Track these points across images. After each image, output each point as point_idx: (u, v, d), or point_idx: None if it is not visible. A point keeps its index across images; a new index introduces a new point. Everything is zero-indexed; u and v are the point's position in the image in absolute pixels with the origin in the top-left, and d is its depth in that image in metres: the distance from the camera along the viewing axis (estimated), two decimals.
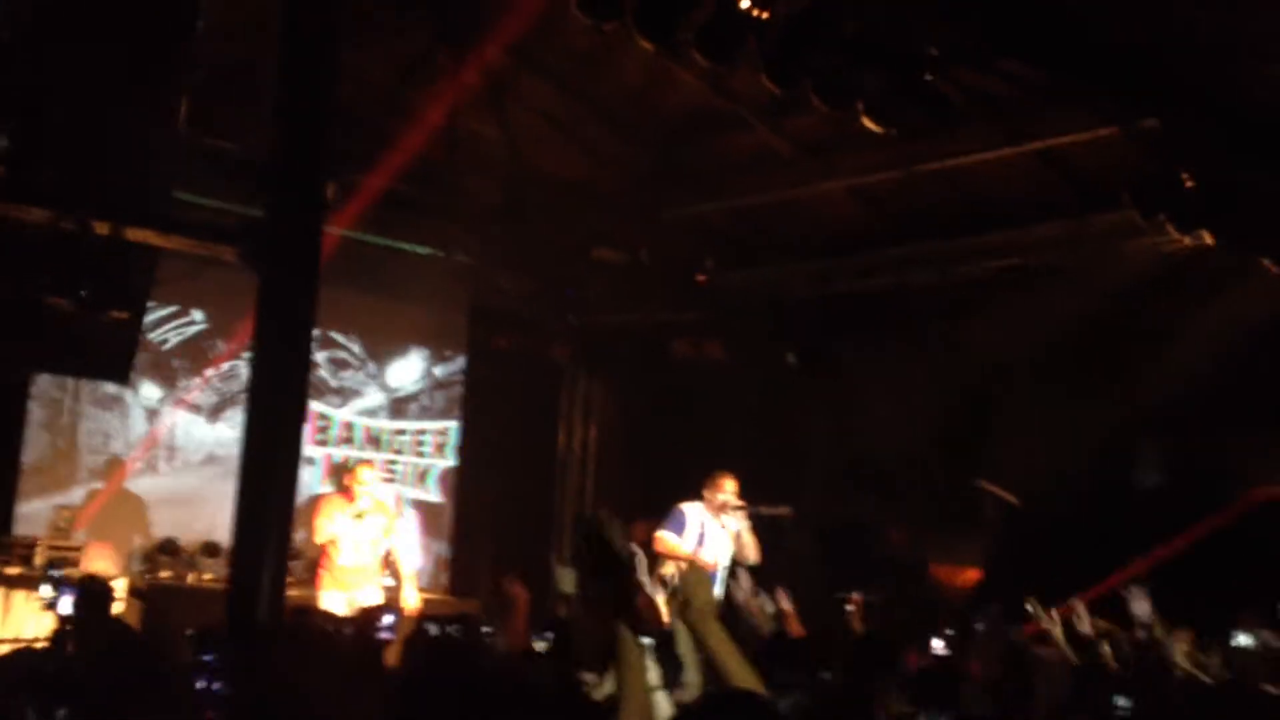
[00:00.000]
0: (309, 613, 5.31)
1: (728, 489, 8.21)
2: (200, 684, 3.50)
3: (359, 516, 8.61)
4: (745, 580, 8.63)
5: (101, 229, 4.62)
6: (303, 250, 4.46)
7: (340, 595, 8.50)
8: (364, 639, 5.47)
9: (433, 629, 5.23)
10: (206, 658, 3.62)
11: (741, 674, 7.11)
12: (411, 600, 8.58)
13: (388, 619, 5.95)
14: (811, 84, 6.59)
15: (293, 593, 9.96)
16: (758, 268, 11.65)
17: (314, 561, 10.57)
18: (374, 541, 8.76)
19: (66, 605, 5.81)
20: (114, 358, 6.30)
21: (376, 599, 8.46)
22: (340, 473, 11.58)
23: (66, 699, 3.31)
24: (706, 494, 8.23)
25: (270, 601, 4.26)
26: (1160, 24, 7.13)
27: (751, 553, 8.33)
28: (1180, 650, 5.67)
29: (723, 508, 8.16)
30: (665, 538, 8.07)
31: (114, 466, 10.63)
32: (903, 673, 4.53)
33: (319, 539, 8.69)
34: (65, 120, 5.05)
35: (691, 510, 8.21)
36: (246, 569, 4.36)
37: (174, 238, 5.01)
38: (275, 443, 4.43)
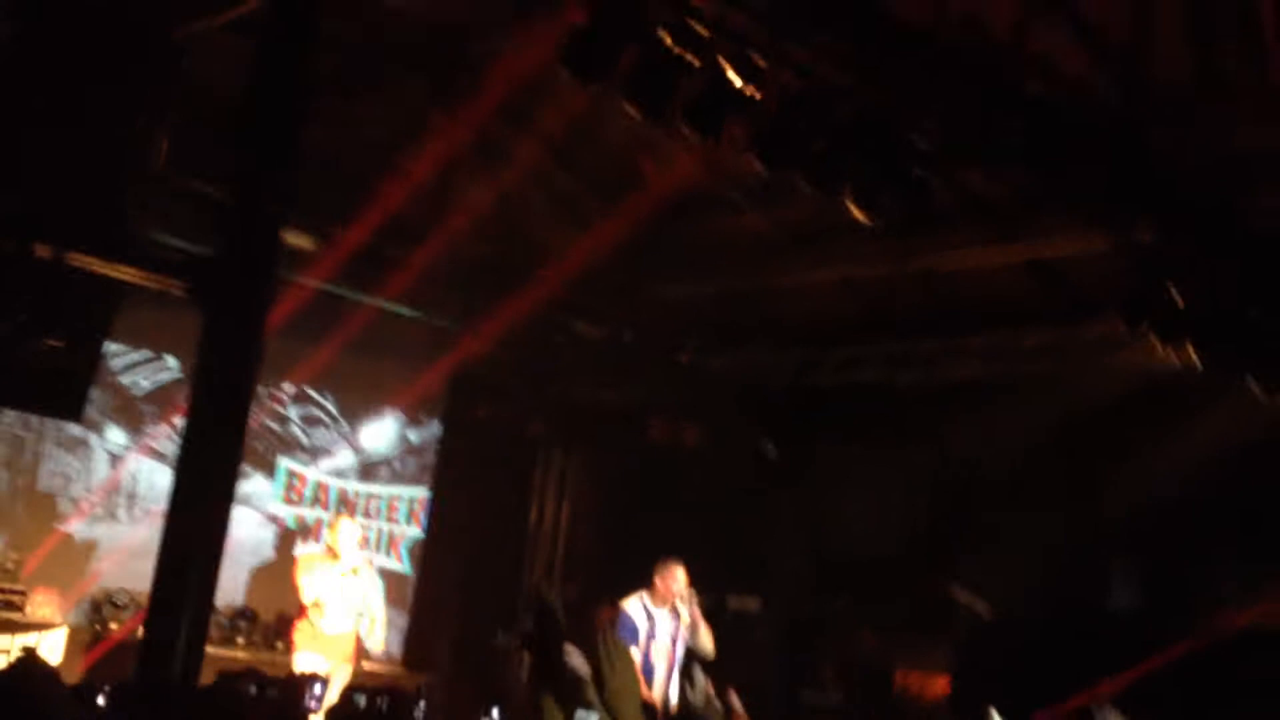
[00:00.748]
0: (235, 676, 5.06)
1: (680, 576, 8.03)
2: None
3: (354, 572, 8.49)
4: (700, 679, 8.34)
5: (43, 253, 4.48)
6: (250, 290, 4.30)
7: (318, 660, 8.27)
8: (289, 707, 5.21)
9: (361, 699, 4.99)
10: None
11: None
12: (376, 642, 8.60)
13: (317, 689, 5.69)
14: (799, 166, 6.49)
15: (244, 655, 9.83)
16: (740, 352, 11.52)
17: (273, 625, 10.40)
18: (357, 609, 8.61)
19: None
20: (61, 393, 6.11)
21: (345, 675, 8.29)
22: (301, 534, 11.36)
23: None
24: (658, 582, 8.04)
25: (185, 659, 4.03)
26: (1162, 140, 7.11)
27: (707, 643, 8.10)
28: None
29: (677, 596, 7.97)
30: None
31: (66, 510, 10.38)
32: None
33: (307, 598, 8.48)
34: (24, 147, 4.94)
35: (633, 607, 7.99)
36: (163, 623, 4.14)
37: (120, 268, 4.87)
38: (206, 488, 4.24)
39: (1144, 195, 7.16)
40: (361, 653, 9.08)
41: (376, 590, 9.07)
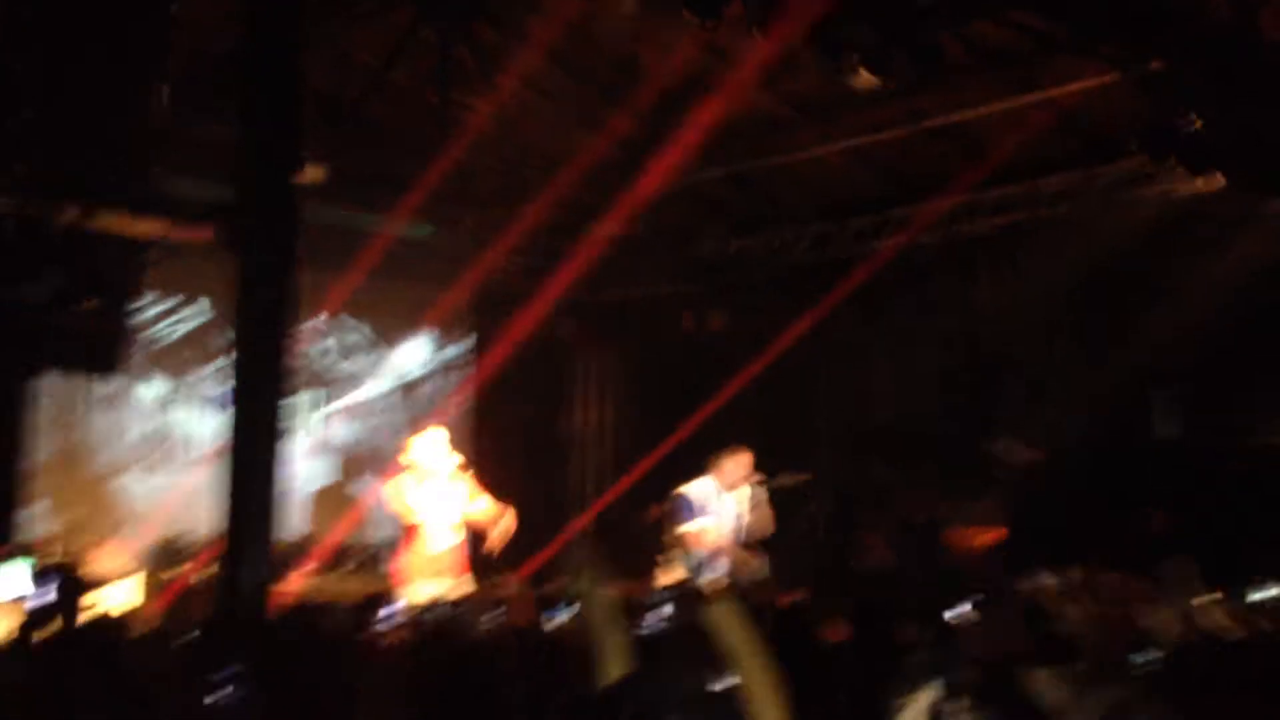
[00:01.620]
0: (304, 608, 5.20)
1: (745, 462, 8.14)
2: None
3: (450, 479, 7.99)
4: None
5: (70, 214, 4.52)
6: (277, 229, 4.35)
7: (430, 586, 7.67)
8: (363, 632, 5.35)
9: (429, 615, 5.13)
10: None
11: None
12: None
13: (385, 611, 5.80)
14: (805, 38, 6.43)
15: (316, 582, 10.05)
16: (760, 235, 11.50)
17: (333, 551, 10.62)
18: (457, 524, 8.10)
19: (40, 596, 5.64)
20: (98, 350, 6.19)
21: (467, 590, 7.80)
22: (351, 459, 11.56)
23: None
24: (728, 466, 8.13)
25: (256, 593, 4.16)
26: None
27: (768, 525, 8.26)
28: (1204, 608, 5.53)
29: (745, 480, 8.09)
30: (692, 529, 7.97)
31: (121, 462, 10.57)
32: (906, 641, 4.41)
33: (413, 519, 8.00)
34: (36, 109, 4.96)
35: (700, 487, 8.11)
36: (235, 560, 4.27)
37: (147, 221, 4.91)
38: (257, 428, 4.33)
39: (1153, 22, 7.05)
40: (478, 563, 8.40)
41: (471, 490, 8.38)
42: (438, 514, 8.05)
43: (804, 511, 11.95)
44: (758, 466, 8.60)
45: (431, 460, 8.10)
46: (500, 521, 8.10)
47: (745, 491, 8.18)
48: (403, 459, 8.26)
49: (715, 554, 8.15)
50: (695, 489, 8.16)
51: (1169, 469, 9.63)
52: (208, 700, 3.34)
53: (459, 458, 8.16)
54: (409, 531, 8.08)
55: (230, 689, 3.48)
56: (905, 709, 2.56)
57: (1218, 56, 7.21)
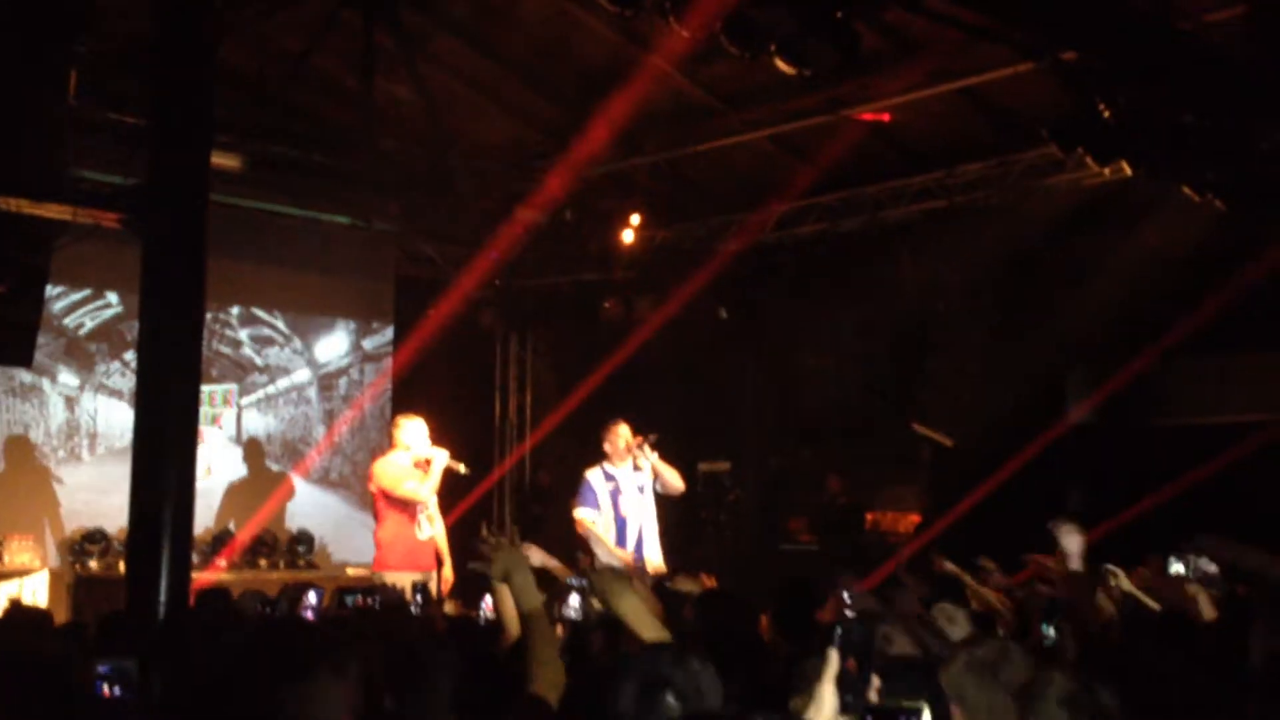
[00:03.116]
0: (221, 595, 5.12)
1: (623, 433, 8.21)
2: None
3: (459, 465, 7.93)
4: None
5: None
6: (184, 215, 4.25)
7: (414, 576, 7.41)
8: (289, 618, 5.28)
9: (351, 600, 5.08)
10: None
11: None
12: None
13: (312, 597, 5.73)
14: (721, 26, 6.43)
15: (228, 577, 9.93)
16: (684, 222, 11.54)
17: (250, 545, 10.49)
18: (433, 513, 8.02)
19: None
20: (9, 341, 6.04)
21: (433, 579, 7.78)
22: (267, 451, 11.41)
23: None
24: (606, 445, 8.23)
25: (171, 587, 4.08)
26: None
27: (675, 480, 8.32)
28: (1113, 581, 5.66)
29: (628, 450, 8.17)
30: (581, 516, 8.09)
31: (31, 456, 10.33)
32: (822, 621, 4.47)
33: (427, 494, 7.86)
34: None
35: (594, 476, 8.20)
36: (145, 556, 4.17)
37: (52, 206, 4.79)
38: (170, 418, 4.24)
39: (1065, 11, 7.15)
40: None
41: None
42: (424, 499, 7.98)
43: (725, 500, 12.07)
44: (683, 452, 8.66)
45: (422, 448, 8.00)
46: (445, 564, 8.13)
47: (642, 458, 8.25)
48: (400, 436, 8.11)
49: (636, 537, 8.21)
50: (591, 474, 8.24)
51: (1083, 449, 9.84)
52: (105, 692, 3.26)
53: (445, 453, 8.03)
54: (393, 517, 7.96)
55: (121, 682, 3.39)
56: (813, 684, 2.58)
57: (1128, 46, 7.33)
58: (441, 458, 7.96)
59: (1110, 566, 5.86)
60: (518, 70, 9.93)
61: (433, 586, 7.66)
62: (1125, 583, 5.74)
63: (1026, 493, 9.11)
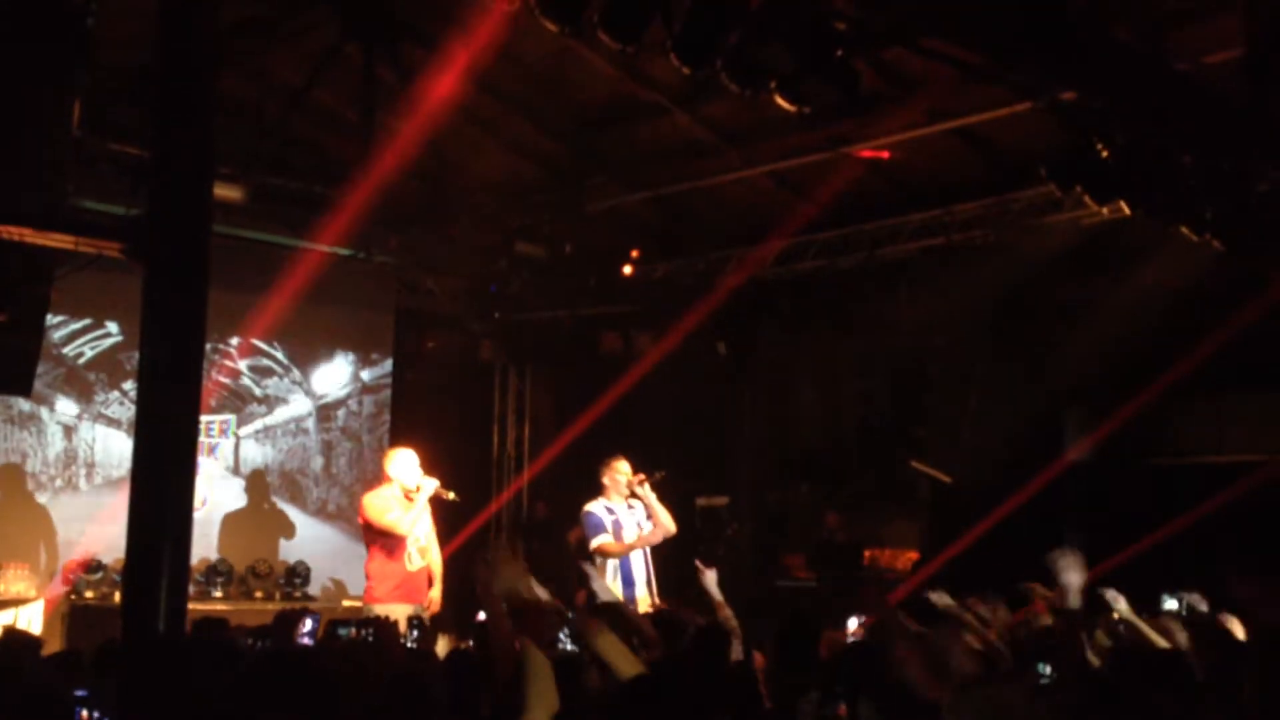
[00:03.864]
0: (217, 625, 5.11)
1: (622, 468, 8.21)
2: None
3: (448, 493, 7.93)
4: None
5: None
6: (185, 246, 4.27)
7: (406, 609, 7.51)
8: (283, 648, 5.27)
9: (346, 632, 5.06)
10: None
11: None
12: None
13: (308, 624, 5.72)
14: (721, 63, 6.46)
15: (224, 608, 9.90)
16: (683, 257, 11.58)
17: (245, 576, 10.46)
18: (429, 540, 8.02)
19: None
20: (9, 369, 6.05)
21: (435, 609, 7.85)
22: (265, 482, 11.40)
23: None
24: (605, 479, 8.22)
25: (168, 618, 4.07)
26: None
27: (668, 521, 8.31)
28: (1115, 607, 5.63)
29: (628, 486, 8.16)
30: (603, 543, 8.06)
31: (26, 485, 10.32)
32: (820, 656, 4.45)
33: (407, 529, 7.80)
34: None
35: (596, 508, 8.19)
36: (141, 586, 4.17)
37: (53, 236, 4.81)
38: (167, 448, 4.25)
39: (1062, 52, 7.19)
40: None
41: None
42: (420, 529, 7.98)
43: (723, 535, 12.04)
44: (680, 489, 8.65)
45: (411, 479, 7.99)
46: (434, 586, 8.10)
47: (638, 493, 8.25)
48: (388, 468, 8.11)
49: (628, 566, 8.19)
50: (593, 506, 8.23)
51: (1081, 487, 9.84)
52: (84, 716, 3.26)
53: (435, 481, 8.04)
54: (382, 549, 7.93)
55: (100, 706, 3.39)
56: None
57: (1124, 86, 7.37)
58: (429, 487, 7.96)
59: (1111, 591, 5.81)
60: (517, 105, 9.99)
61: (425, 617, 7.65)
62: (1125, 609, 5.70)
63: (1025, 530, 9.09)
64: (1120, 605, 5.70)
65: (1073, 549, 4.71)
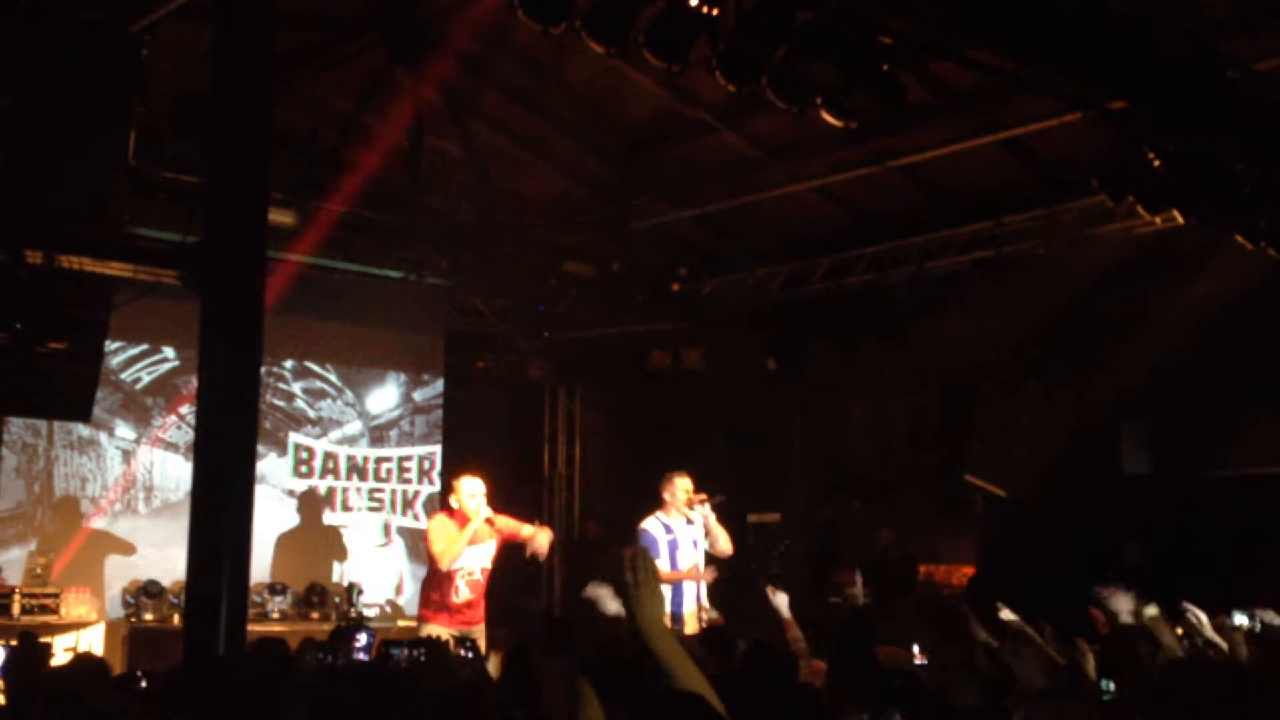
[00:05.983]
0: (275, 644, 5.16)
1: (683, 484, 8.17)
2: None
3: (492, 523, 7.95)
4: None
5: (34, 258, 4.51)
6: (242, 272, 4.34)
7: (454, 632, 7.50)
8: (339, 664, 5.31)
9: (399, 653, 5.10)
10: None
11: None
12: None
13: (363, 639, 5.76)
14: (767, 80, 6.47)
15: (280, 628, 9.98)
16: (731, 274, 11.58)
17: (303, 595, 10.55)
18: (484, 570, 8.06)
19: None
20: (69, 395, 6.16)
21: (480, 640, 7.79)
22: (319, 503, 11.49)
23: None
24: (665, 495, 8.19)
25: (228, 639, 4.12)
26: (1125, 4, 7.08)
27: (724, 542, 8.27)
28: (1170, 634, 5.55)
29: (687, 505, 8.13)
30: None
31: (86, 510, 10.47)
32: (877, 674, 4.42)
33: (448, 565, 7.87)
34: (4, 152, 4.95)
35: (652, 525, 8.15)
36: (202, 607, 4.22)
37: (113, 264, 4.91)
38: (227, 471, 4.30)
39: (1111, 62, 7.14)
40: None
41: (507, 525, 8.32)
42: (471, 561, 8.00)
43: (775, 551, 12.00)
44: (731, 506, 8.62)
45: (474, 507, 8.00)
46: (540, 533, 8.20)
47: (697, 513, 8.21)
48: (453, 500, 8.12)
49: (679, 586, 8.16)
50: (648, 523, 8.20)
51: (1137, 500, 9.71)
52: None
53: (490, 511, 8.06)
54: (435, 574, 8.01)
55: None
56: None
57: (1175, 95, 7.30)
58: (477, 520, 7.97)
59: (1190, 607, 5.69)
60: (565, 126, 10.05)
61: (481, 643, 7.64)
62: (1207, 628, 5.57)
63: (1081, 544, 9.00)
64: (1204, 624, 5.57)
65: (1116, 578, 4.66)
